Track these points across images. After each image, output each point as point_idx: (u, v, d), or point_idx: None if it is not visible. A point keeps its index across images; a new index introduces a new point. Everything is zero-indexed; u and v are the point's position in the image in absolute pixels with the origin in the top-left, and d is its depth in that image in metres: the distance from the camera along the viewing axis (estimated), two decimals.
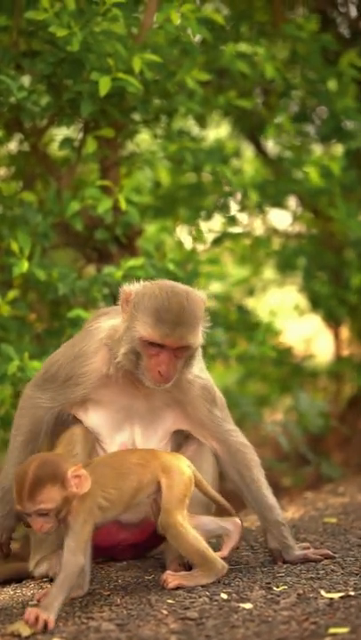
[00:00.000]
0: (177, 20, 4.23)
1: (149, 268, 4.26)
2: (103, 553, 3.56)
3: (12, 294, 4.14)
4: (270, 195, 5.47)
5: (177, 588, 3.22)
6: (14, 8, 4.24)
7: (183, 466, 3.31)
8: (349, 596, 3.09)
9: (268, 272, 6.73)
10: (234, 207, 5.31)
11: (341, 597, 3.08)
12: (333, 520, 4.22)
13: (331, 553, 3.51)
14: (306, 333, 7.22)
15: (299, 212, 6.13)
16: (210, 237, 5.38)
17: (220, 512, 3.52)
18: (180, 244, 5.09)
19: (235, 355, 5.20)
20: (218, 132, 6.22)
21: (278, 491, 4.34)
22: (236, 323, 5.35)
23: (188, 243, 5.08)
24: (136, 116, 4.60)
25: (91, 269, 4.80)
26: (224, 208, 5.27)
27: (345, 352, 6.48)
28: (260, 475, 3.51)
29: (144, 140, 5.34)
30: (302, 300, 6.56)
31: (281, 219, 6.34)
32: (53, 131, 4.83)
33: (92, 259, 4.71)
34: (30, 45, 4.35)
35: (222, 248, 5.59)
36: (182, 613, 2.98)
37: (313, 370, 6.47)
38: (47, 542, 3.49)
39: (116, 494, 3.19)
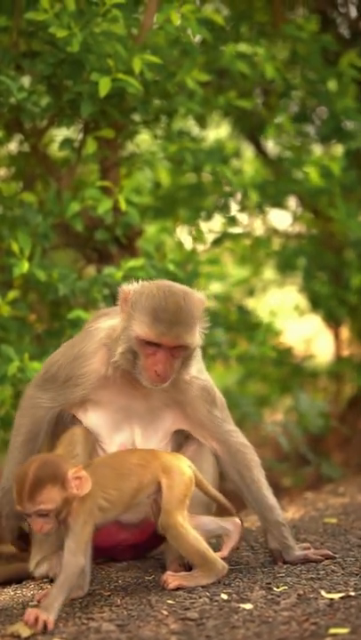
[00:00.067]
0: (177, 21, 4.23)
1: (150, 269, 4.26)
2: (103, 553, 3.56)
3: (12, 295, 4.14)
4: (270, 195, 5.47)
5: (177, 589, 3.22)
6: (14, 9, 4.24)
7: (184, 466, 3.31)
8: (350, 596, 3.09)
9: (269, 272, 6.74)
10: (234, 207, 5.32)
11: (342, 598, 3.08)
12: (334, 520, 4.22)
13: (331, 553, 3.51)
14: (306, 334, 7.22)
15: (299, 213, 6.13)
16: (210, 238, 5.38)
17: (221, 512, 3.52)
18: (180, 244, 5.09)
19: (235, 355, 5.21)
20: (218, 132, 6.22)
21: (278, 491, 4.34)
22: (237, 323, 5.35)
23: (188, 243, 5.09)
24: (136, 117, 4.60)
25: (91, 270, 4.80)
26: (224, 208, 5.27)
27: (345, 352, 6.48)
28: (260, 475, 3.51)
29: (144, 140, 5.34)
30: (302, 301, 6.56)
31: (281, 219, 6.34)
32: (53, 131, 4.83)
33: (93, 259, 4.71)
34: (30, 46, 4.35)
35: (222, 248, 5.59)
36: (182, 614, 2.99)
37: (313, 370, 6.46)
38: (47, 543, 3.49)
39: (117, 495, 3.19)
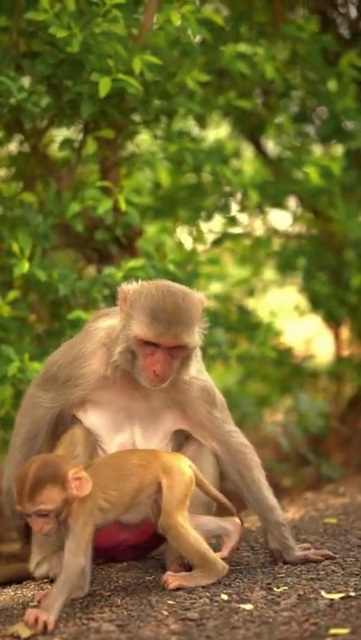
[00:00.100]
0: (177, 21, 4.23)
1: (150, 269, 4.26)
2: (104, 554, 3.56)
3: (12, 295, 4.14)
4: (270, 195, 5.47)
5: (177, 589, 3.22)
6: (14, 9, 4.24)
7: (184, 466, 3.31)
8: (350, 596, 3.09)
9: (269, 272, 6.73)
10: (234, 208, 5.31)
11: (342, 598, 3.08)
12: (334, 521, 4.22)
13: (331, 553, 3.51)
14: (306, 334, 7.22)
15: (299, 213, 6.13)
16: (210, 238, 5.38)
17: (221, 512, 3.52)
18: (180, 244, 5.09)
19: (235, 355, 5.21)
20: (218, 132, 6.22)
21: (279, 491, 4.34)
22: (237, 323, 5.35)
23: (188, 243, 5.09)
24: (136, 117, 4.60)
25: (91, 270, 4.80)
26: (224, 208, 5.27)
27: (345, 352, 6.48)
28: (260, 475, 3.51)
29: (144, 140, 5.34)
30: (302, 301, 6.56)
31: (281, 219, 6.34)
32: (53, 132, 4.82)
33: (93, 259, 4.71)
34: (30, 46, 4.35)
35: (222, 248, 5.59)
36: (183, 614, 2.99)
37: (313, 370, 6.46)
38: (48, 543, 3.50)
39: (117, 495, 3.19)
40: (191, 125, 5.54)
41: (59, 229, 4.46)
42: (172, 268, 4.40)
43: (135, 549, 3.62)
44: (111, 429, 3.48)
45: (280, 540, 3.47)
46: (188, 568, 3.34)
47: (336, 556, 3.52)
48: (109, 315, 3.52)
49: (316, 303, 6.09)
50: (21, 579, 3.63)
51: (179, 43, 4.37)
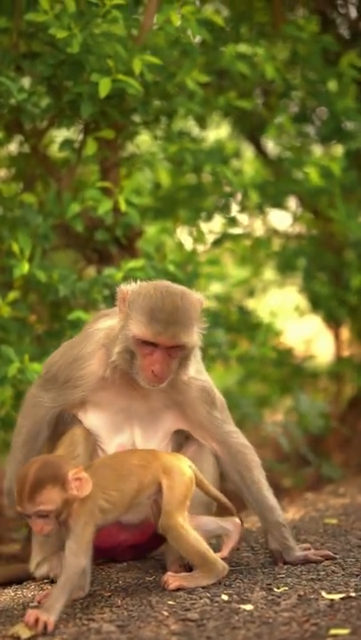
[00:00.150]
0: (177, 22, 4.23)
1: (150, 270, 4.26)
2: (104, 554, 3.56)
3: (12, 295, 4.14)
4: (270, 195, 5.47)
5: (178, 590, 3.22)
6: (14, 10, 4.24)
7: (184, 466, 3.31)
8: (350, 597, 3.09)
9: (269, 273, 6.74)
10: (234, 208, 5.31)
11: (342, 598, 3.08)
12: (334, 521, 4.22)
13: (331, 554, 3.51)
14: (306, 334, 7.22)
15: (299, 213, 6.13)
16: (210, 238, 5.38)
17: (221, 512, 3.52)
18: (180, 245, 5.09)
19: (235, 355, 5.21)
20: (218, 132, 6.22)
21: (279, 492, 4.34)
22: (237, 323, 5.35)
23: (188, 244, 5.09)
24: (136, 118, 4.60)
25: (91, 271, 4.80)
26: (224, 209, 5.27)
27: (345, 353, 6.48)
28: (260, 476, 3.51)
29: (144, 141, 5.34)
30: (302, 301, 6.56)
31: (281, 219, 6.34)
32: (53, 132, 4.82)
33: (93, 260, 4.71)
34: (30, 47, 4.35)
35: (222, 249, 5.59)
36: (183, 615, 2.99)
37: (313, 370, 6.46)
38: (48, 544, 3.50)
39: (118, 496, 3.19)
40: (191, 126, 5.54)
41: (59, 230, 4.46)
42: (172, 268, 4.40)
43: (135, 550, 3.62)
44: (111, 430, 3.48)
45: (280, 541, 3.47)
46: (189, 568, 3.34)
47: (336, 556, 3.52)
48: (109, 315, 3.52)
49: (316, 303, 6.09)
50: (22, 579, 3.63)
51: (179, 43, 4.37)
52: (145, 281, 3.42)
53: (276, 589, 3.20)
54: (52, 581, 3.46)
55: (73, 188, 4.54)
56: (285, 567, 3.44)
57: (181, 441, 3.58)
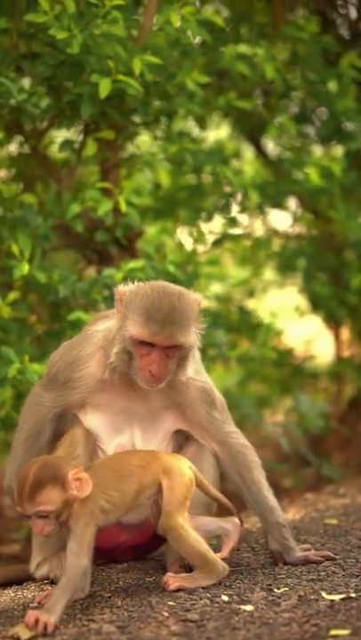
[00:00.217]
0: (177, 22, 4.23)
1: (150, 270, 4.26)
2: (104, 555, 3.56)
3: (12, 296, 4.14)
4: (270, 196, 5.47)
5: (178, 590, 3.22)
6: (14, 10, 4.24)
7: (184, 467, 3.31)
8: (350, 597, 3.09)
9: (269, 273, 6.74)
10: (234, 208, 5.31)
11: (342, 599, 3.08)
12: (334, 521, 4.22)
13: (332, 554, 3.51)
14: (306, 334, 7.22)
15: (299, 214, 6.13)
16: (210, 239, 5.38)
17: (221, 512, 3.52)
18: (180, 245, 5.10)
19: (235, 356, 5.21)
20: (218, 133, 6.22)
21: (279, 492, 4.34)
22: (237, 324, 5.35)
23: (188, 244, 5.09)
24: (136, 118, 4.60)
25: (91, 271, 4.80)
26: (224, 209, 5.27)
27: (345, 353, 6.48)
28: (260, 476, 3.51)
29: (144, 141, 5.34)
30: (303, 301, 6.56)
31: (281, 220, 6.34)
32: (54, 133, 4.82)
33: (93, 260, 4.71)
34: (30, 48, 4.34)
35: (223, 249, 5.59)
36: (183, 615, 2.99)
37: (313, 371, 6.46)
38: (48, 544, 3.50)
39: (118, 497, 3.19)
40: (191, 126, 5.54)
41: (59, 230, 4.46)
42: (172, 268, 4.40)
43: (135, 550, 3.62)
44: (111, 431, 3.48)
45: (280, 541, 3.47)
46: (189, 569, 3.34)
47: (337, 556, 3.52)
48: (108, 317, 3.53)
49: (316, 304, 6.09)
50: (22, 580, 3.63)
51: (179, 44, 4.37)
52: (144, 281, 3.42)
53: (276, 590, 3.20)
54: (52, 582, 3.46)
55: (73, 189, 4.54)
56: (286, 568, 3.44)
57: (181, 441, 3.58)
